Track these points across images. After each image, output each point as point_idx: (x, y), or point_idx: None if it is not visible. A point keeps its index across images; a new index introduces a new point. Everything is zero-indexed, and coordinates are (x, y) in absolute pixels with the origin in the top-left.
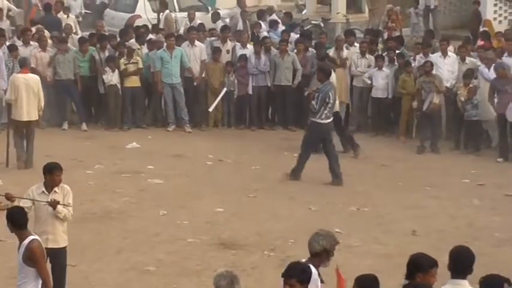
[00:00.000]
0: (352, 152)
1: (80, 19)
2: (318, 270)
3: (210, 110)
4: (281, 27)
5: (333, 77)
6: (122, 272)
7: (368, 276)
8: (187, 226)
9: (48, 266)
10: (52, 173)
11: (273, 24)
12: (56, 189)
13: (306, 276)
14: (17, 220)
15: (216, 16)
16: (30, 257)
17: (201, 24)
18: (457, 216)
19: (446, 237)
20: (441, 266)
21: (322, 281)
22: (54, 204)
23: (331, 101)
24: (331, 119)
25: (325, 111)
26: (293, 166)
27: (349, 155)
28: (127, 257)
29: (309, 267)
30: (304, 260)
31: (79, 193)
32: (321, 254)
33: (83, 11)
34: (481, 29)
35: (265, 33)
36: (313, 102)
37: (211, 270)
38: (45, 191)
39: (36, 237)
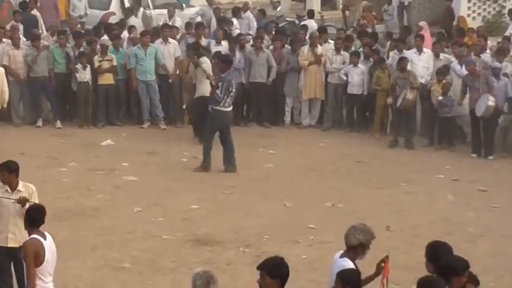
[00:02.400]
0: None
1: (84, 20)
2: (354, 263)
3: (185, 107)
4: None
5: (207, 61)
6: (96, 269)
7: (351, 270)
8: (162, 223)
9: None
10: None
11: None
12: (19, 187)
13: (276, 271)
14: (32, 217)
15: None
16: (23, 254)
17: (189, 23)
18: (432, 211)
19: (421, 233)
20: (418, 261)
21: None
22: (23, 201)
23: (233, 90)
24: (232, 107)
25: (228, 100)
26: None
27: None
28: (102, 254)
29: (283, 263)
30: (341, 252)
31: (53, 190)
32: (357, 247)
33: (88, 12)
34: (455, 25)
35: (237, 31)
36: (218, 92)
37: (186, 267)
38: (8, 190)
39: (38, 237)
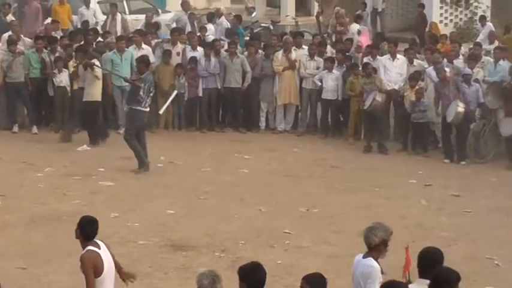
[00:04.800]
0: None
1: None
2: (378, 262)
3: (161, 112)
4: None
5: (98, 64)
6: (73, 274)
7: (315, 274)
8: (138, 228)
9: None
10: None
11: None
12: None
13: (244, 275)
14: (86, 229)
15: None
16: (81, 267)
17: (178, 28)
18: (406, 216)
19: (395, 237)
20: (392, 265)
21: (382, 272)
22: None
23: (153, 91)
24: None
25: (148, 100)
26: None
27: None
28: (78, 260)
29: (255, 268)
30: (362, 254)
31: (29, 196)
32: (380, 245)
33: (96, 20)
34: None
35: (211, 37)
36: (141, 93)
37: (162, 271)
38: None
39: (94, 248)
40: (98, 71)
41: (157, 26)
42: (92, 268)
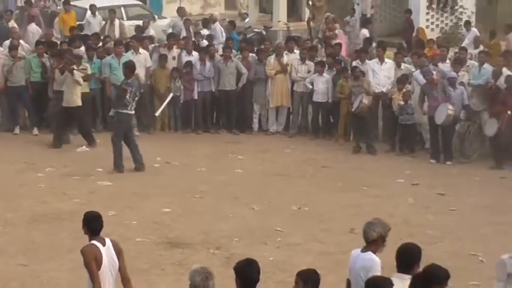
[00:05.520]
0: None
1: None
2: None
3: (157, 114)
4: (221, 38)
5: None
6: (73, 271)
7: (309, 270)
8: (135, 226)
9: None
10: None
11: (211, 38)
12: None
13: (237, 270)
14: (92, 225)
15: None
16: (83, 261)
17: (174, 34)
18: (394, 214)
19: None
20: (381, 262)
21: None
22: None
23: (138, 95)
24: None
25: (133, 103)
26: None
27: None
28: (78, 257)
29: (247, 265)
30: (360, 249)
31: (30, 195)
32: (377, 240)
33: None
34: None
35: (205, 41)
36: (128, 97)
37: (159, 268)
38: None
39: (96, 243)
40: (78, 76)
41: (143, 30)
42: (93, 260)
